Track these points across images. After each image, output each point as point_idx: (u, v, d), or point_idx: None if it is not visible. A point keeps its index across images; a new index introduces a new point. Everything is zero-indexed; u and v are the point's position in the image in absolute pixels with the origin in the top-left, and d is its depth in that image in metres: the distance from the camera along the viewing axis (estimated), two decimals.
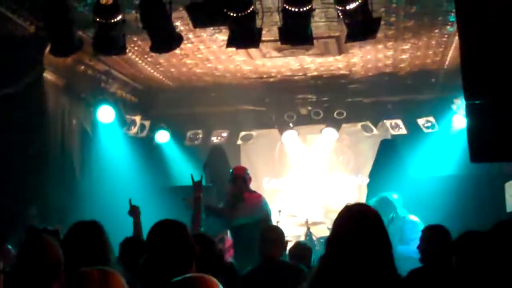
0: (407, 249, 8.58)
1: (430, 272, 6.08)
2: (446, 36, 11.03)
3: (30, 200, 9.98)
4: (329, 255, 3.84)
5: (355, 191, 15.61)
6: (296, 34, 8.31)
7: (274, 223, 11.14)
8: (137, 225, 7.65)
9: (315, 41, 8.75)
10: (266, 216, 9.38)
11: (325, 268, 3.82)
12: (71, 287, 3.37)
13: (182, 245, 4.23)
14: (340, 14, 8.00)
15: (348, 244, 3.71)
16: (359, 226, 3.76)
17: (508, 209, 11.12)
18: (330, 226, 12.50)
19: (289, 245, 8.10)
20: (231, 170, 10.19)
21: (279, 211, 12.60)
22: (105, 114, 12.37)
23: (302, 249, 7.90)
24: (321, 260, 3.93)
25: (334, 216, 10.87)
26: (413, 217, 10.24)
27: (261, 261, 6.89)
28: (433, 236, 6.46)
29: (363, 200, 13.77)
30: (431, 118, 13.83)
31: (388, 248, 3.76)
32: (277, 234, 7.10)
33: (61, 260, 4.18)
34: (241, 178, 9.63)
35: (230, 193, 9.78)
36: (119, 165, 13.30)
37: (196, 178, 8.58)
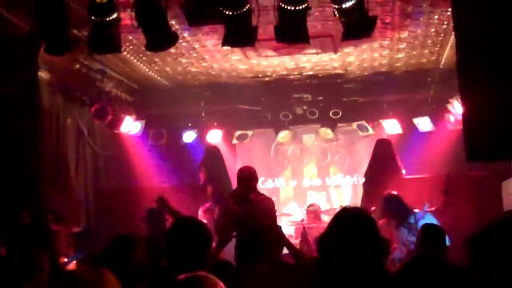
0: None
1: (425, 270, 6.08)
2: (442, 35, 11.02)
3: (24, 200, 9.94)
4: (320, 255, 3.87)
5: (351, 191, 15.60)
6: (292, 32, 8.28)
7: None
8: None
9: (310, 40, 8.71)
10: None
11: (318, 268, 3.86)
12: (65, 286, 3.35)
13: (200, 244, 4.25)
14: (336, 12, 7.97)
15: (339, 246, 3.74)
16: (351, 229, 3.79)
17: (506, 208, 11.11)
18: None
19: None
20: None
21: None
22: (100, 113, 12.35)
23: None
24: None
25: (329, 216, 10.90)
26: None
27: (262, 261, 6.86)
28: (428, 235, 6.49)
29: (358, 199, 13.78)
30: (426, 118, 13.81)
31: (379, 252, 3.78)
32: (275, 234, 7.07)
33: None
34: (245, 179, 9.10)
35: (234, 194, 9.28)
36: (114, 164, 13.30)
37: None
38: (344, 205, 12.97)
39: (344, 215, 3.94)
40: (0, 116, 9.94)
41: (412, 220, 9.81)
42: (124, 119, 13.18)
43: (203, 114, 14.59)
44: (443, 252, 6.37)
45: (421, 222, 9.36)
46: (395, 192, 10.47)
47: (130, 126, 13.51)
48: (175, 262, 4.21)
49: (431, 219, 9.72)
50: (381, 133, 14.59)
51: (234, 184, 14.48)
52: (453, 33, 9.30)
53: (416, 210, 10.09)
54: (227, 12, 7.94)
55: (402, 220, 9.85)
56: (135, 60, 12.08)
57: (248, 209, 8.74)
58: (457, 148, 9.03)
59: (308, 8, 7.93)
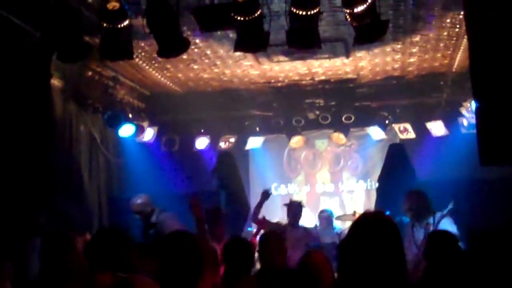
0: None
1: (438, 276, 6.06)
2: (454, 38, 10.97)
3: (38, 207, 9.95)
4: (341, 260, 3.83)
5: (364, 196, 15.56)
6: (303, 37, 8.26)
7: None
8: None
9: (322, 44, 8.69)
10: None
11: (338, 273, 3.82)
12: None
13: (191, 255, 4.23)
14: (348, 17, 7.95)
15: (361, 253, 3.69)
16: (374, 235, 3.73)
17: None
18: (339, 232, 12.44)
19: None
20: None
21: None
22: (112, 120, 12.37)
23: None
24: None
25: (342, 221, 10.81)
26: None
27: (261, 268, 6.85)
28: (439, 241, 6.43)
29: (372, 204, 13.73)
30: (440, 122, 13.76)
31: (402, 258, 3.73)
32: (277, 241, 7.05)
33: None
34: None
35: None
36: (127, 171, 13.31)
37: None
38: (357, 210, 12.92)
39: (366, 221, 3.87)
40: (13, 123, 9.96)
41: (431, 221, 9.41)
42: (137, 126, 13.18)
43: (215, 120, 14.60)
44: (457, 259, 6.30)
45: (440, 225, 9.18)
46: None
47: (143, 133, 13.53)
48: (170, 273, 4.19)
49: (449, 224, 9.40)
50: (394, 137, 14.55)
51: (248, 190, 14.60)
52: (465, 36, 9.28)
53: (437, 212, 9.63)
54: (238, 18, 7.94)
55: (419, 218, 9.59)
56: (147, 67, 12.09)
57: None
58: (471, 152, 8.98)
59: (319, 12, 7.93)
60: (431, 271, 6.33)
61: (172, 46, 8.58)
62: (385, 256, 3.65)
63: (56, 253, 5.07)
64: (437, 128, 13.84)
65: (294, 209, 11.39)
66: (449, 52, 11.80)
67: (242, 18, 7.94)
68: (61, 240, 5.36)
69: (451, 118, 13.60)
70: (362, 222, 3.85)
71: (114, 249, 4.85)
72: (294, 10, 7.84)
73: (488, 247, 4.89)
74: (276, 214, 12.93)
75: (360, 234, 3.78)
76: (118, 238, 5.00)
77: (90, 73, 11.65)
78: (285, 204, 11.75)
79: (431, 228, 9.20)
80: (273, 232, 8.04)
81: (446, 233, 7.06)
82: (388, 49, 11.48)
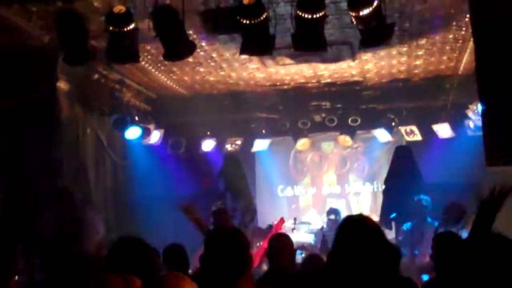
0: None
1: (444, 283, 6.02)
2: (460, 41, 10.97)
3: (44, 209, 9.98)
4: (331, 267, 3.85)
5: (370, 198, 15.56)
6: (309, 40, 8.26)
7: (289, 230, 11.14)
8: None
9: (328, 47, 8.69)
10: None
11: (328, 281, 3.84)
12: None
13: (236, 253, 4.24)
14: (353, 20, 7.95)
15: (349, 256, 3.71)
16: (359, 237, 3.75)
17: None
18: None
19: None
20: None
21: (294, 219, 12.56)
22: (119, 122, 12.39)
23: (315, 257, 7.84)
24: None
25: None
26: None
27: (269, 269, 6.85)
28: (445, 243, 6.40)
29: (378, 207, 13.72)
30: (446, 124, 13.74)
31: (392, 258, 3.75)
32: (285, 242, 7.05)
33: None
34: None
35: None
36: (133, 174, 13.33)
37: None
38: (363, 212, 12.92)
39: (350, 224, 3.90)
40: (20, 126, 10.00)
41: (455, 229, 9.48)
42: (143, 129, 13.21)
43: (221, 123, 14.61)
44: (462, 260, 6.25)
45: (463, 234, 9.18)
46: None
47: (149, 135, 13.54)
48: (214, 270, 4.20)
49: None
50: (400, 140, 14.54)
51: (254, 192, 14.61)
52: (471, 39, 9.28)
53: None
54: (244, 21, 7.94)
55: (447, 225, 9.57)
56: (153, 70, 12.11)
57: None
58: (478, 154, 8.99)
59: (325, 16, 7.91)
60: (438, 272, 6.31)
61: (178, 49, 8.58)
62: (368, 258, 3.67)
63: (59, 256, 5.08)
64: (443, 130, 13.83)
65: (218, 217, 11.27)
66: (455, 54, 11.79)
67: (247, 21, 7.93)
68: (63, 243, 5.37)
69: (457, 121, 13.58)
70: (345, 226, 3.89)
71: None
72: (300, 13, 7.84)
73: (495, 248, 4.87)
74: (282, 215, 12.93)
75: (344, 238, 3.80)
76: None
77: (96, 76, 11.66)
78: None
79: None
80: (281, 234, 8.06)
81: (452, 234, 7.03)
82: (394, 51, 11.48)
